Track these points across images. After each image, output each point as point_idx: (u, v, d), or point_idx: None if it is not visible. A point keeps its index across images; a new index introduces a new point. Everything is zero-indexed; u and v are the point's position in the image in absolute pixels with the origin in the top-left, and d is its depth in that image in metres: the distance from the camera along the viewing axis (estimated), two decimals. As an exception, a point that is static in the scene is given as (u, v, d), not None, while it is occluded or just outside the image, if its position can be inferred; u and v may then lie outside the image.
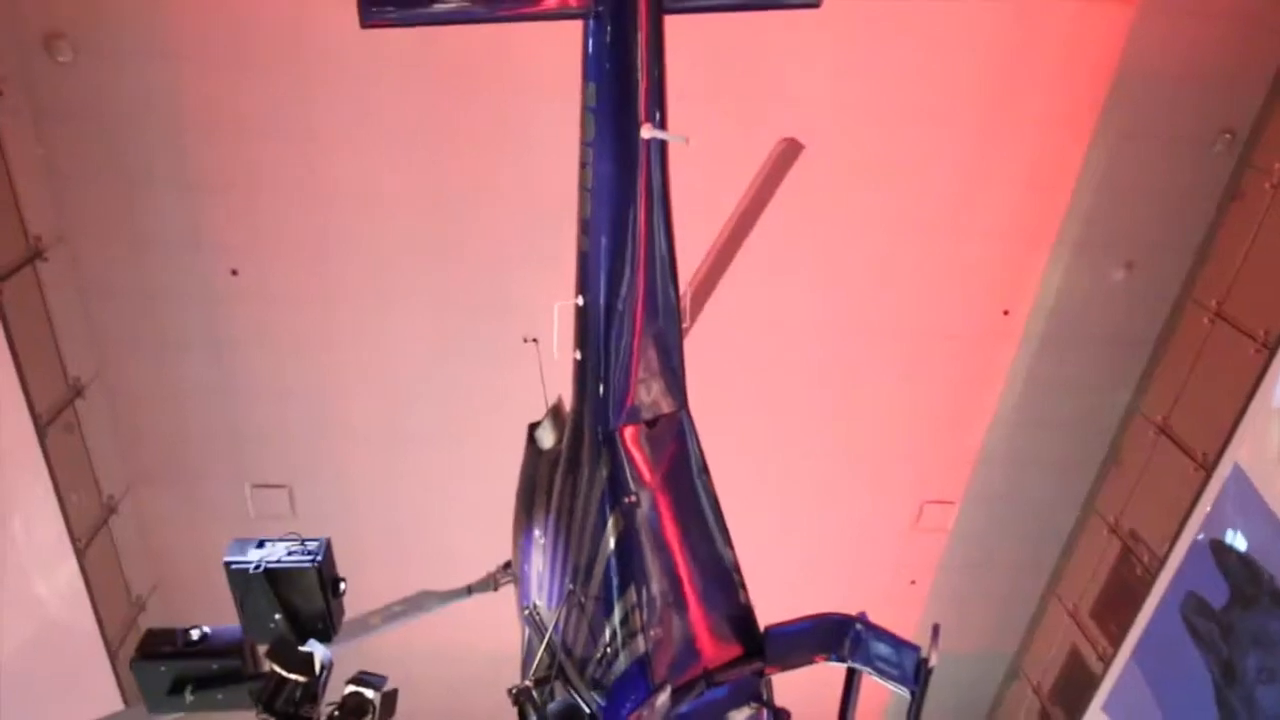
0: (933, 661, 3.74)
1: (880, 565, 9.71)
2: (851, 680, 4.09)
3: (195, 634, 2.78)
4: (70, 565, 6.97)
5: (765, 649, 3.96)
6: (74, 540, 7.09)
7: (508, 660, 5.06)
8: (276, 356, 8.24)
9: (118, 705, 7.35)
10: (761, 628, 4.04)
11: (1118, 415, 8.92)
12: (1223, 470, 7.08)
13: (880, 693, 4.14)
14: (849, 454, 9.03)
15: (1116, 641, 8.07)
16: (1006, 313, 8.36)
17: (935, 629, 3.80)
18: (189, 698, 2.77)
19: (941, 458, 9.20)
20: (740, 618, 4.06)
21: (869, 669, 3.92)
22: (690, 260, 4.94)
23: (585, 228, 3.51)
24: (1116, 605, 8.48)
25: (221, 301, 7.91)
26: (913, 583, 9.90)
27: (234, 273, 7.81)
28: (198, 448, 8.67)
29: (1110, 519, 8.84)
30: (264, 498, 8.77)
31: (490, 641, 7.71)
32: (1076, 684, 8.91)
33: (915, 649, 3.80)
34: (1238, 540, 6.88)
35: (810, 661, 3.99)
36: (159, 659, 2.77)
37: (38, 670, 6.52)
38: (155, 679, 2.79)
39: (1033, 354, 8.56)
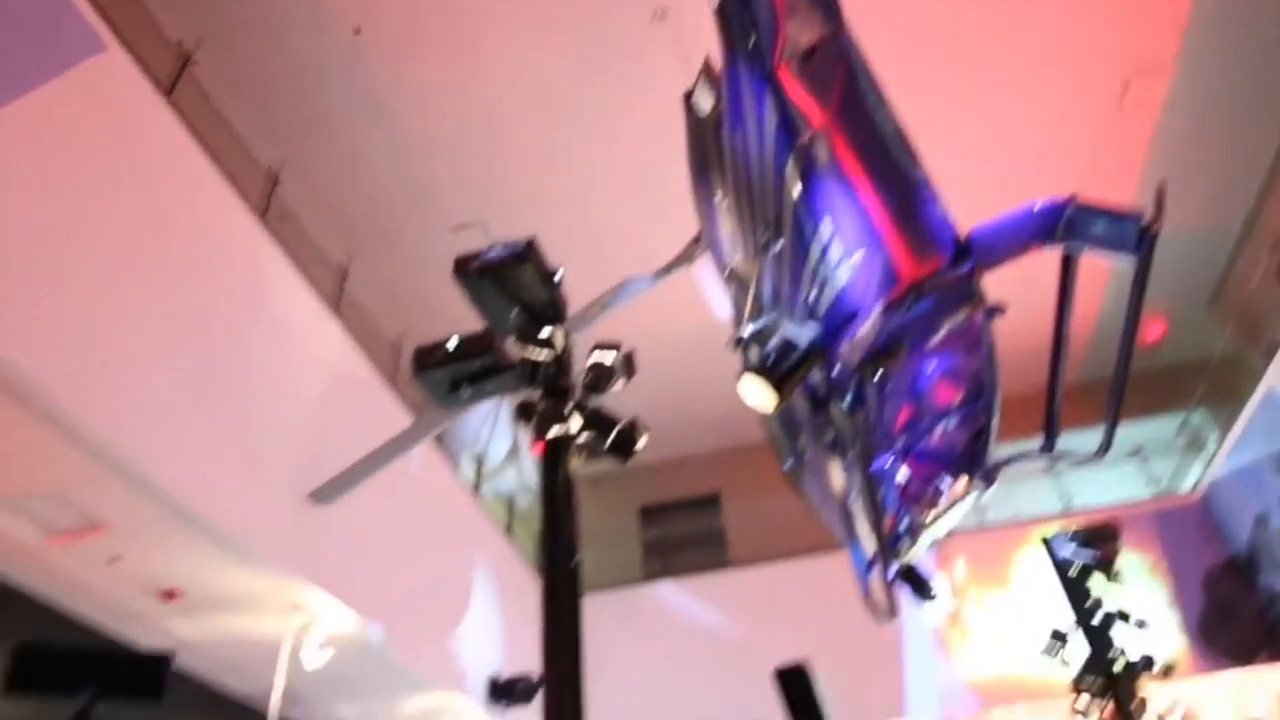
0: (1157, 226, 3.53)
1: (1083, 154, 8.96)
2: (1068, 266, 3.98)
3: (452, 342, 3.17)
4: (332, 327, 8.00)
5: (970, 250, 3.91)
6: (327, 305, 8.07)
7: (717, 327, 5.42)
8: (425, 101, 8.41)
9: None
10: (963, 233, 3.97)
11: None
12: None
13: (1097, 276, 4.02)
14: (1040, 31, 8.02)
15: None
16: None
17: (1159, 190, 3.54)
18: (466, 392, 3.24)
19: (1147, 18, 7.96)
20: (937, 228, 3.99)
21: (1087, 245, 3.74)
22: None
23: None
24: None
25: (357, 62, 8.01)
26: (1122, 169, 9.13)
27: (357, 31, 7.79)
28: (391, 205, 9.34)
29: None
30: (464, 238, 9.43)
31: (695, 320, 8.26)
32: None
33: (1136, 216, 3.59)
34: None
35: (1022, 252, 3.89)
36: (432, 368, 3.21)
37: (338, 417, 7.78)
38: (435, 384, 3.26)
39: None
